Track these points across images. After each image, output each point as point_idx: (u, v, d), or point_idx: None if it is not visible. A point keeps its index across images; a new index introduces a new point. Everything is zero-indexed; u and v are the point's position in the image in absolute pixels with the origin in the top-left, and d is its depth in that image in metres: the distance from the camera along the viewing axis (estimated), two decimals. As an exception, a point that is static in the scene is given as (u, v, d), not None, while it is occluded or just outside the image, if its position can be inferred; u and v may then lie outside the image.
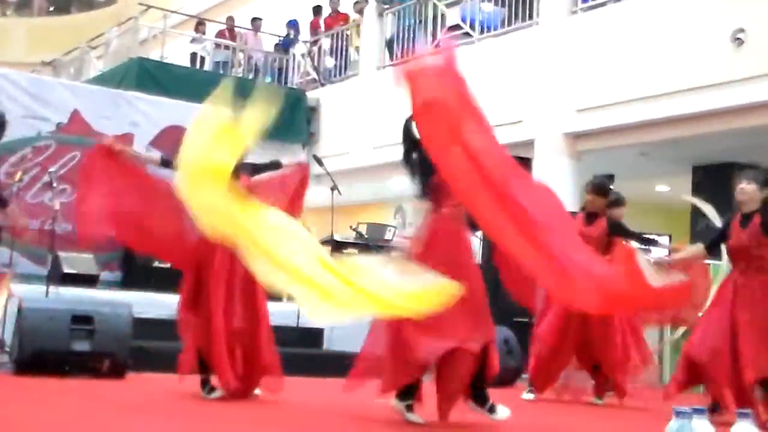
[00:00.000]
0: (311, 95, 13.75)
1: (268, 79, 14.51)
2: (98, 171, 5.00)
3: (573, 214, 6.43)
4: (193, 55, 14.38)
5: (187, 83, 12.14)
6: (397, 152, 4.65)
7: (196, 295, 5.01)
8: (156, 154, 5.22)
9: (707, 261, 6.35)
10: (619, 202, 6.78)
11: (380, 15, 13.15)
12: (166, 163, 4.99)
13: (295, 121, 13.23)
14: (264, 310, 5.06)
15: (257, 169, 5.24)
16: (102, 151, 5.06)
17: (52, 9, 26.47)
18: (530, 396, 6.12)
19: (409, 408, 4.31)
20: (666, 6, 9.05)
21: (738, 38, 8.27)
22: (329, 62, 14.19)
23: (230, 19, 15.04)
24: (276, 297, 5.73)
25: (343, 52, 13.98)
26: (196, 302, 5.00)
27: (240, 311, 4.94)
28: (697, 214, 8.97)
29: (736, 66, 8.30)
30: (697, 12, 8.71)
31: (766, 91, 8.06)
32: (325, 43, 14.29)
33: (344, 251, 9.91)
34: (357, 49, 13.69)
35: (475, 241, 5.77)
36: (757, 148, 9.39)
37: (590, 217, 6.28)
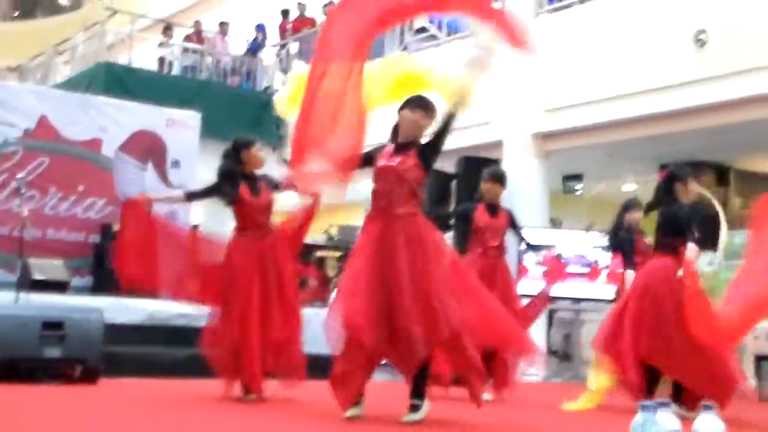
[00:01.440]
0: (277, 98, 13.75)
1: (236, 82, 14.51)
2: (130, 223, 5.50)
3: (473, 205, 6.27)
4: (161, 60, 14.34)
5: (156, 87, 12.13)
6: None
7: (226, 310, 5.27)
8: (178, 192, 5.90)
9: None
10: (634, 205, 6.82)
11: (348, 18, 13.18)
12: (191, 196, 5.75)
13: (264, 124, 13.22)
14: (298, 318, 5.33)
15: (276, 186, 5.48)
16: (131, 205, 5.62)
17: (16, 14, 26.20)
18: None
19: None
20: (630, 7, 9.18)
21: (700, 39, 8.41)
22: (298, 65, 14.19)
23: (198, 23, 15.01)
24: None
25: (312, 55, 13.99)
26: (226, 316, 5.26)
27: (278, 321, 5.21)
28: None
29: (698, 66, 8.45)
30: (659, 13, 8.85)
31: (727, 90, 8.21)
32: (293, 47, 14.29)
33: (315, 254, 9.94)
34: (325, 52, 13.70)
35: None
36: (721, 147, 9.57)
37: (492, 208, 6.20)
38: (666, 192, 5.56)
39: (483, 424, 4.58)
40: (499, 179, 6.25)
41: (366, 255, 4.36)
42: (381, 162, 4.44)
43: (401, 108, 4.52)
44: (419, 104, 4.51)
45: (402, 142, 4.49)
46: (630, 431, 2.46)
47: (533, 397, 6.58)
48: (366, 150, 4.52)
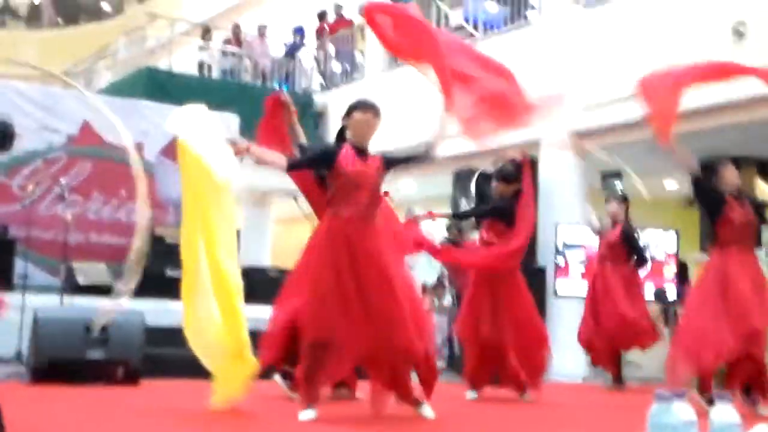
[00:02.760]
0: (318, 100, 13.85)
1: (276, 85, 14.63)
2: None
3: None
4: (201, 63, 14.51)
5: (196, 91, 12.25)
6: (405, 154, 4.87)
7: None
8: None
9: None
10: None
11: (385, 18, 13.22)
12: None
13: (303, 125, 13.26)
14: None
15: None
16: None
17: (61, 21, 26.67)
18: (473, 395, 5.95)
19: None
20: (667, 1, 9.09)
21: (739, 31, 8.30)
22: (335, 67, 14.28)
23: (236, 26, 15.16)
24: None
25: (349, 56, 14.07)
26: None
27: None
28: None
29: (737, 59, 8.31)
30: (697, 6, 8.75)
31: (768, 83, 8.08)
32: (331, 48, 14.38)
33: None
34: (362, 52, 13.78)
35: None
36: (763, 141, 9.42)
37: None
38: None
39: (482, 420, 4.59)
40: (506, 179, 6.19)
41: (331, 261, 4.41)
42: (350, 167, 4.51)
43: (350, 112, 4.65)
44: (370, 105, 4.66)
45: (360, 146, 4.61)
46: (646, 421, 2.47)
47: (566, 397, 6.59)
48: (317, 149, 4.78)
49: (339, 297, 4.34)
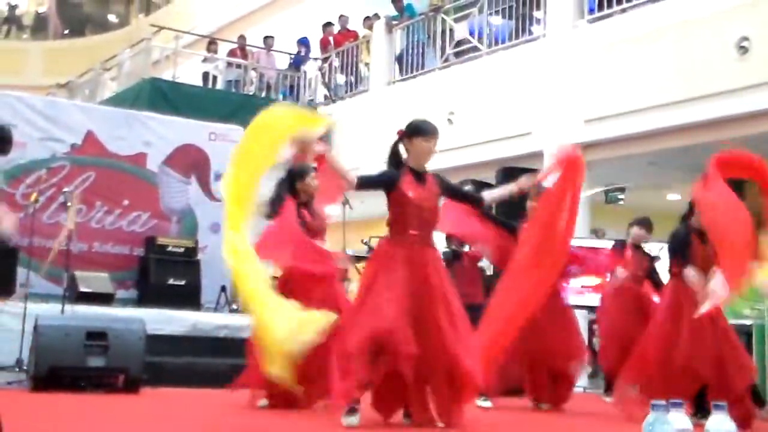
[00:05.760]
0: (323, 111, 13.87)
1: (281, 97, 14.66)
2: None
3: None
4: (206, 75, 14.54)
5: (200, 102, 12.30)
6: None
7: None
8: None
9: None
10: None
11: (389, 30, 13.26)
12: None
13: (307, 137, 13.33)
14: None
15: None
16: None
17: (67, 32, 26.77)
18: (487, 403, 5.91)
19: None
20: (670, 16, 9.11)
21: (742, 46, 8.31)
22: (340, 79, 14.31)
23: (242, 38, 15.20)
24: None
25: (354, 69, 14.10)
26: None
27: None
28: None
29: (741, 74, 8.34)
30: (701, 21, 8.76)
31: (771, 98, 8.10)
32: (336, 60, 14.42)
33: (357, 265, 9.99)
34: (367, 65, 13.81)
35: None
36: (765, 155, 9.41)
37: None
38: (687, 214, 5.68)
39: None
40: None
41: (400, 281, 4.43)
42: (410, 193, 4.53)
43: (412, 135, 4.60)
44: (434, 132, 4.63)
45: (419, 171, 4.62)
46: (642, 430, 2.46)
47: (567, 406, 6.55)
48: (377, 173, 4.73)
49: None
